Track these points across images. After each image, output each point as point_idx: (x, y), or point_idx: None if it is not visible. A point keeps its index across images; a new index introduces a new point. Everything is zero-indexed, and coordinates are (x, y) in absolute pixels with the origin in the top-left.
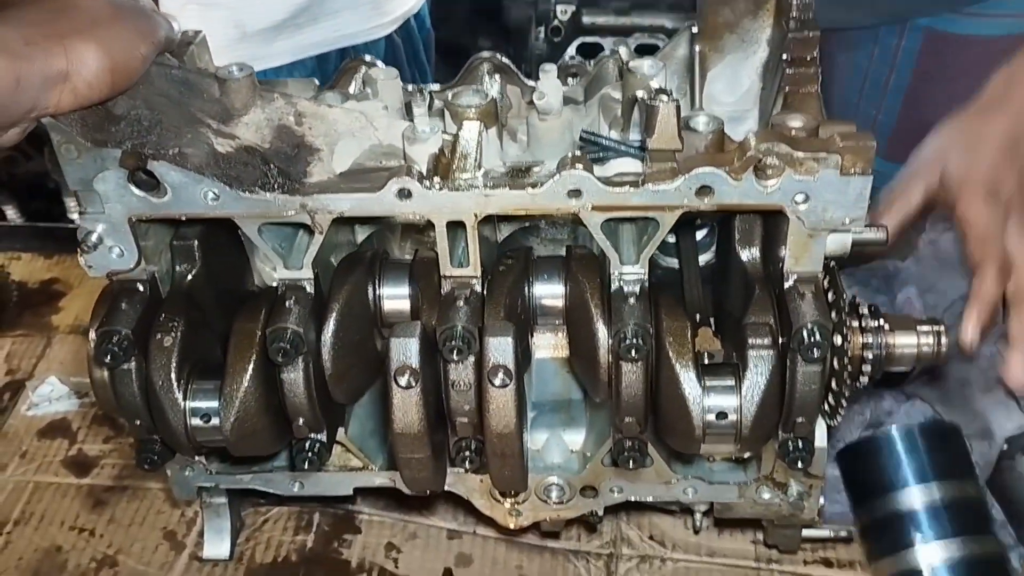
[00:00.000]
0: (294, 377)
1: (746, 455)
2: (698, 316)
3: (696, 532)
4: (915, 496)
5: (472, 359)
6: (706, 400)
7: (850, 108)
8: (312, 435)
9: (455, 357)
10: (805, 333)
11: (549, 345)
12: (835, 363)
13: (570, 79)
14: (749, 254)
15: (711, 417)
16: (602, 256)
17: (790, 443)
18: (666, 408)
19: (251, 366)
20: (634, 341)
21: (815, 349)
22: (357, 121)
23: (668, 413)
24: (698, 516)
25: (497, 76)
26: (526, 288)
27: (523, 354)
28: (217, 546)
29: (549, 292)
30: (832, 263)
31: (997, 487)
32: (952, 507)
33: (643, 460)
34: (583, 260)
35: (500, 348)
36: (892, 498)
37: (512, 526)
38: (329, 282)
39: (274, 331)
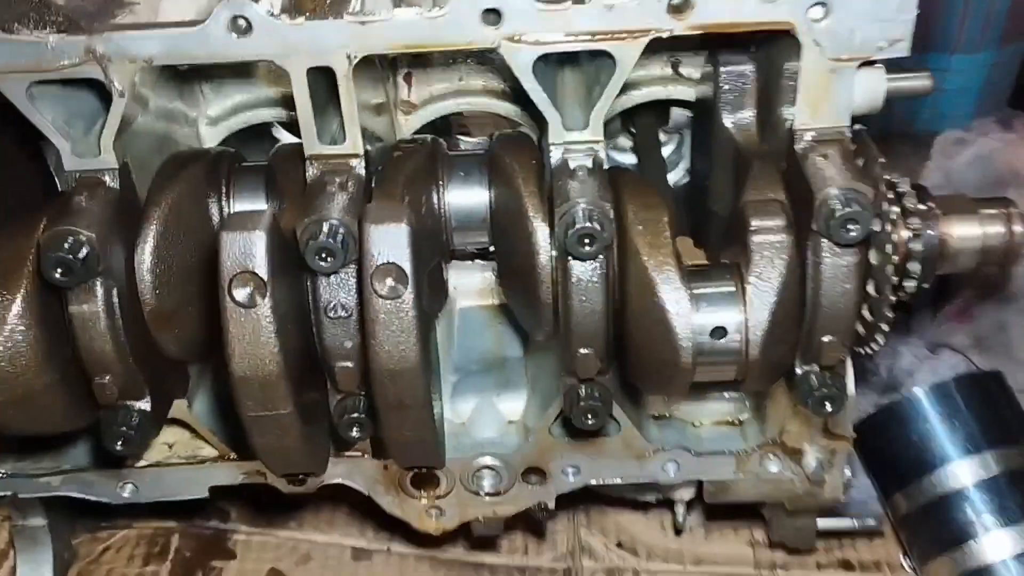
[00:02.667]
0: (88, 309)
1: (745, 416)
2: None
3: (678, 533)
4: (965, 472)
5: (352, 269)
6: (696, 313)
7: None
8: (128, 402)
9: (325, 263)
10: (835, 202)
11: (474, 291)
12: (869, 275)
13: None
14: (738, 120)
15: (704, 337)
16: (540, 137)
17: (814, 377)
18: (639, 330)
19: (20, 295)
20: (587, 225)
21: (850, 225)
22: None
23: (642, 336)
24: (680, 509)
25: None
26: (436, 190)
27: (434, 283)
28: None
29: (468, 195)
30: (860, 126)
31: None
32: (1014, 482)
33: (605, 415)
34: (511, 139)
35: (388, 238)
36: (935, 479)
37: (432, 531)
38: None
39: (51, 236)
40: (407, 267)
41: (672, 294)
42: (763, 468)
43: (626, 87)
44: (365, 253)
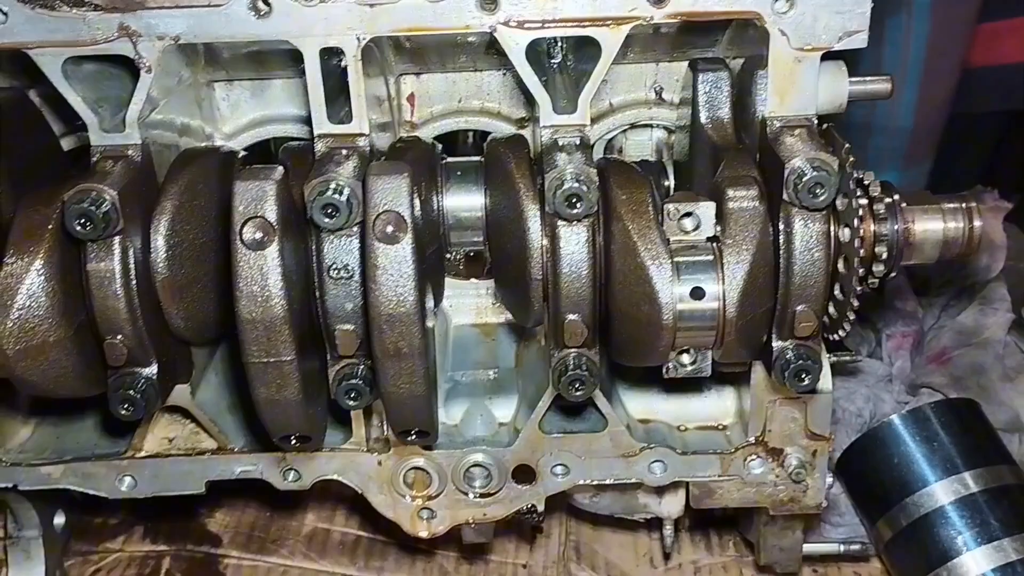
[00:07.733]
0: (105, 267)
1: (729, 420)
2: None
3: (667, 557)
4: (943, 493)
5: (356, 232)
6: (677, 278)
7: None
8: (136, 368)
9: (331, 220)
10: (802, 169)
11: (469, 310)
12: (839, 251)
13: None
14: (715, 118)
15: (684, 298)
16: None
17: (790, 351)
18: (623, 292)
19: (44, 249)
20: (575, 186)
21: (817, 190)
22: None
23: (626, 299)
24: (668, 529)
25: None
26: (434, 185)
27: (434, 272)
28: None
29: (464, 192)
30: (827, 124)
31: None
32: (993, 500)
33: (592, 386)
34: (507, 138)
35: (389, 188)
36: (915, 500)
37: (424, 534)
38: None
39: (76, 191)
40: (406, 214)
41: (654, 256)
42: (747, 469)
43: (614, 110)
44: (367, 204)
